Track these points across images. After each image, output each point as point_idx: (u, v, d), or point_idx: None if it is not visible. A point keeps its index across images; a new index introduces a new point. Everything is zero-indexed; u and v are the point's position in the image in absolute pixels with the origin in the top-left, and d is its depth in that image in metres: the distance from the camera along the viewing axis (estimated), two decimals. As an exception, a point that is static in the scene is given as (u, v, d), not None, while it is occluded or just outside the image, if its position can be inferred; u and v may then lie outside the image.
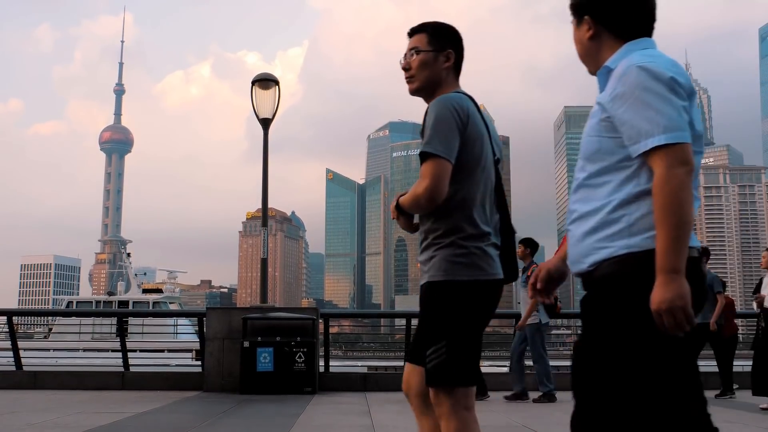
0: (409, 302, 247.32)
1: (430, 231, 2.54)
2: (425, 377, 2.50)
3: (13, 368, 10.51)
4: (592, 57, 2.11)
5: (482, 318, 2.55)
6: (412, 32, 2.69)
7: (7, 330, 10.89)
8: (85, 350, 24.67)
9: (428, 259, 2.53)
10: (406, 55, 2.68)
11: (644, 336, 1.82)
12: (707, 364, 10.50)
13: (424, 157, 2.46)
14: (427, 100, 2.64)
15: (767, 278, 8.42)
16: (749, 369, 11.86)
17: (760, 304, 8.27)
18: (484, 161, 2.56)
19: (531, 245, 8.73)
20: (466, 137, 2.47)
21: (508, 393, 8.72)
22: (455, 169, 2.46)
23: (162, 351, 23.73)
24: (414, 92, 2.68)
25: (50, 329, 32.41)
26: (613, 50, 2.05)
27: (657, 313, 1.77)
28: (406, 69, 2.66)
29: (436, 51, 2.61)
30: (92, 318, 27.76)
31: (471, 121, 2.49)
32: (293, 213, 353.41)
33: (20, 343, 11.41)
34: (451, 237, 2.48)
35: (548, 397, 8.40)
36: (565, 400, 9.07)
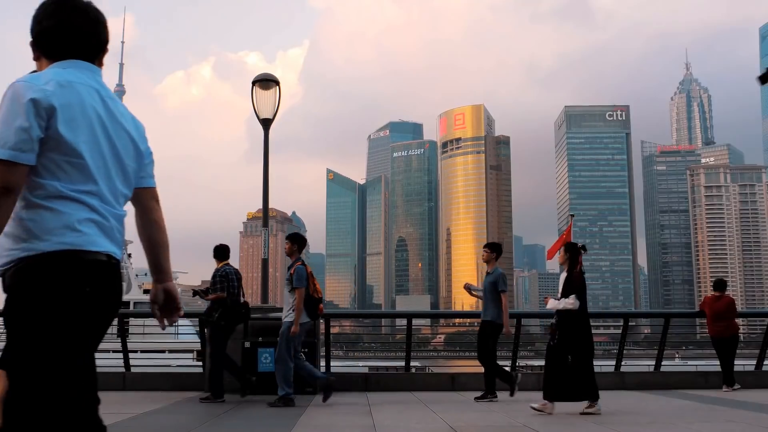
0: (411, 302, 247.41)
1: None
2: None
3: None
4: None
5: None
6: None
7: (9, 331, 10.89)
8: (86, 351, 24.60)
9: None
10: None
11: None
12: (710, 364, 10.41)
13: None
14: None
15: (563, 275, 7.99)
16: (750, 368, 11.89)
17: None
18: None
19: (298, 241, 8.51)
20: None
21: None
22: None
23: (163, 351, 23.74)
24: None
25: (51, 330, 32.37)
26: None
27: None
28: None
29: None
30: (93, 318, 27.70)
31: None
32: (294, 213, 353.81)
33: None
34: None
35: (284, 401, 7.91)
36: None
